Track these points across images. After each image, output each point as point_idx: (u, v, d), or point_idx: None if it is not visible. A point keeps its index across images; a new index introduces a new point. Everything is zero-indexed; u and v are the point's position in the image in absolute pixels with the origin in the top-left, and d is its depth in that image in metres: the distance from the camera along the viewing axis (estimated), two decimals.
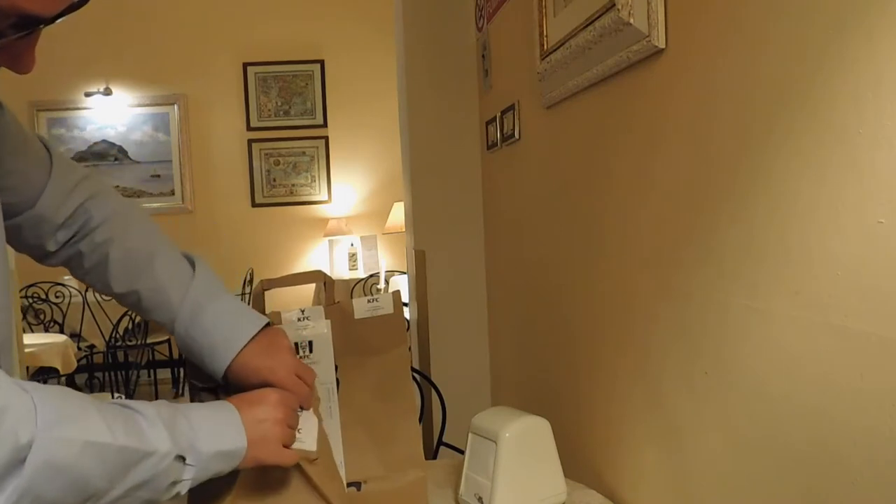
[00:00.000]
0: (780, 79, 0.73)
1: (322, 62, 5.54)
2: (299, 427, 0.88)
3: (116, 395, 3.29)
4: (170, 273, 0.89)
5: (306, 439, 0.88)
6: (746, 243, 0.80)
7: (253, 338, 0.87)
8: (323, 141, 5.58)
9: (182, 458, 0.72)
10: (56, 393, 0.65)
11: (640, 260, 1.08)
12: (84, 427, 0.64)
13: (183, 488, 0.73)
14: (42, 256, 0.93)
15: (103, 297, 1.03)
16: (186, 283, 0.88)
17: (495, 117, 1.87)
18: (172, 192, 5.49)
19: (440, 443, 1.70)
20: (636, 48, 1.01)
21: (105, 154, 5.41)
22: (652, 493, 1.08)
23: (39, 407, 0.61)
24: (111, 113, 5.39)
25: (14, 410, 0.59)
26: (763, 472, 0.79)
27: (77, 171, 0.93)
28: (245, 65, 5.48)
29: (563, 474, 1.11)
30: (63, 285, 4.49)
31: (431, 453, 1.76)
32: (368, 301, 0.97)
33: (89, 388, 4.66)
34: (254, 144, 5.53)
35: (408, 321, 1.86)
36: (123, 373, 4.38)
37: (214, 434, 0.76)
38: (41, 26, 0.62)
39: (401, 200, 4.48)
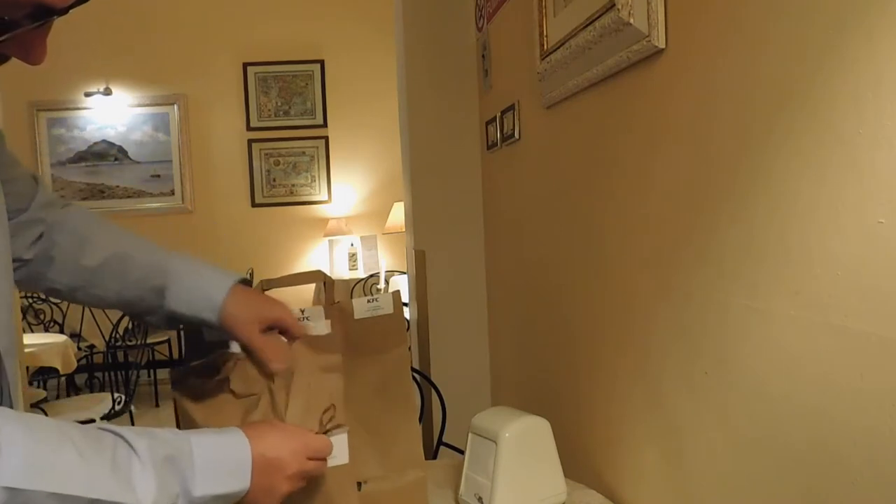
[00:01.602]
0: (780, 79, 0.73)
1: (322, 62, 5.54)
2: None
3: (116, 394, 3.29)
4: (148, 256, 0.94)
5: (339, 454, 0.90)
6: (746, 243, 0.80)
7: (239, 283, 0.93)
8: (323, 141, 5.58)
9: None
10: (27, 432, 0.58)
11: (640, 260, 1.08)
12: (51, 478, 0.57)
13: None
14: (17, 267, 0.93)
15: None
16: (166, 256, 0.94)
17: (495, 117, 1.87)
18: (172, 192, 5.49)
19: (440, 443, 1.70)
20: (636, 48, 1.01)
21: (105, 154, 5.41)
22: (652, 493, 1.08)
23: (4, 451, 0.55)
24: (111, 113, 5.39)
25: None
26: (763, 471, 0.79)
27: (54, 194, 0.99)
28: (245, 65, 5.48)
29: (563, 474, 1.11)
30: None
31: (431, 453, 1.76)
32: (368, 301, 0.97)
33: (89, 387, 4.67)
34: (254, 144, 5.53)
35: (408, 321, 1.86)
36: (123, 373, 4.38)
37: (216, 477, 0.70)
38: (54, 17, 0.62)
39: (401, 200, 4.48)
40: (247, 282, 0.95)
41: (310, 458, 0.81)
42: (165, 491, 0.64)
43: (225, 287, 0.91)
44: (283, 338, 0.92)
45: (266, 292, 0.98)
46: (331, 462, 0.89)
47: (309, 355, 0.92)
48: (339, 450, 0.90)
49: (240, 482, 0.72)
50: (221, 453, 0.72)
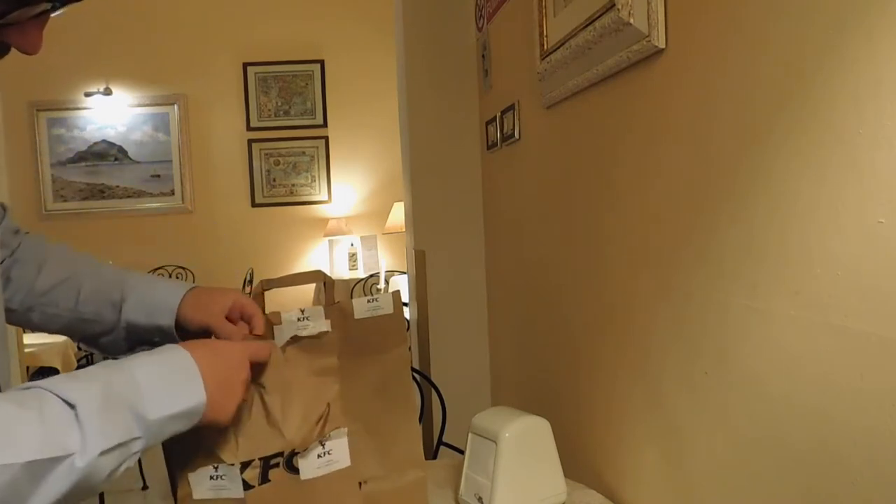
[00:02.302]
0: (780, 79, 0.73)
1: (322, 62, 5.54)
2: (329, 449, 0.89)
3: None
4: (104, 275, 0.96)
5: (340, 457, 0.89)
6: (746, 243, 0.80)
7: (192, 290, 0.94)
8: (323, 141, 5.58)
9: (127, 444, 0.63)
10: None
11: (640, 260, 1.08)
12: None
13: (130, 462, 0.65)
14: None
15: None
16: (122, 273, 0.96)
17: (495, 117, 1.87)
18: (172, 192, 5.49)
19: (440, 443, 1.70)
20: (636, 48, 1.01)
21: (105, 154, 5.41)
22: (652, 493, 1.08)
23: None
24: (111, 113, 5.39)
25: None
26: (763, 471, 0.79)
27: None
28: (245, 65, 5.48)
29: (563, 474, 1.11)
30: None
31: (431, 453, 1.76)
32: (368, 301, 0.97)
33: None
34: (254, 144, 5.53)
35: (408, 321, 1.86)
36: None
37: (169, 395, 0.68)
38: (58, 4, 0.65)
39: (401, 200, 4.48)
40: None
41: (252, 362, 0.82)
42: (114, 428, 0.62)
43: (180, 293, 0.93)
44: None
45: (266, 292, 0.98)
46: (332, 465, 0.89)
47: (303, 359, 0.91)
48: (340, 453, 0.90)
49: (195, 394, 0.70)
50: (166, 368, 0.70)
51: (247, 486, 0.84)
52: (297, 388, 0.89)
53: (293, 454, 0.87)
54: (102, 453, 0.60)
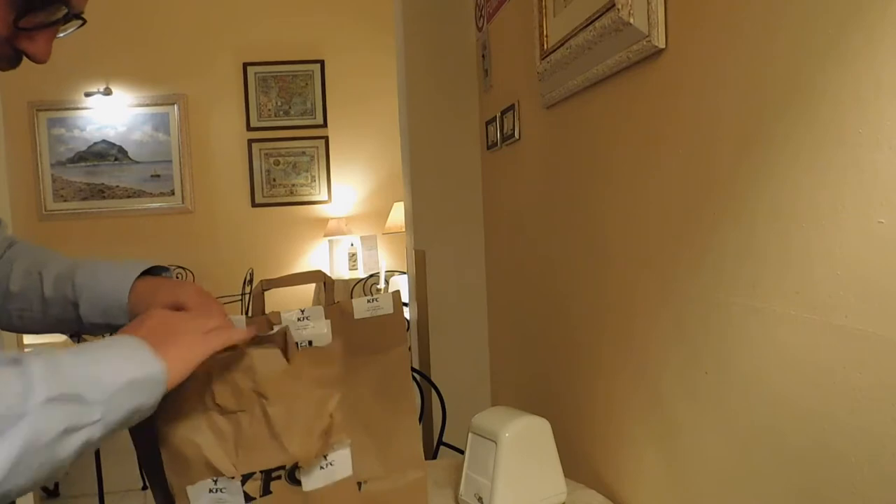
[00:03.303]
0: (780, 78, 0.73)
1: (322, 62, 5.54)
2: (331, 460, 0.88)
3: None
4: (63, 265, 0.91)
5: (342, 468, 0.89)
6: (747, 243, 0.80)
7: (145, 275, 0.88)
8: (323, 141, 5.58)
9: (75, 399, 0.60)
10: None
11: (641, 260, 1.08)
12: None
13: (90, 434, 0.61)
14: None
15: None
16: (71, 267, 0.91)
17: (495, 117, 1.87)
18: (172, 192, 5.48)
19: (440, 443, 1.70)
20: (636, 48, 1.01)
21: (105, 154, 5.41)
22: (652, 493, 1.08)
23: None
24: (111, 113, 5.39)
25: None
26: (763, 471, 0.79)
27: None
28: (245, 65, 5.48)
29: (563, 474, 1.11)
30: None
31: (431, 453, 1.76)
32: (368, 301, 0.97)
33: None
34: (254, 144, 5.53)
35: (408, 321, 1.86)
36: None
37: (121, 363, 0.65)
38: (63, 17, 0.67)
39: (401, 200, 4.48)
40: (158, 269, 0.91)
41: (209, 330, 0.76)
42: (60, 381, 0.59)
43: (127, 286, 0.86)
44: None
45: (266, 292, 0.98)
46: (334, 476, 0.88)
47: (307, 369, 0.88)
48: (342, 463, 0.89)
49: (147, 362, 0.67)
50: (112, 347, 0.67)
51: (248, 498, 0.83)
52: (301, 400, 0.86)
53: (295, 467, 0.86)
54: (49, 400, 0.56)
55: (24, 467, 0.55)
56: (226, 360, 0.81)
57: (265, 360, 0.84)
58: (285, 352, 0.86)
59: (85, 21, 0.70)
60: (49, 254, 0.95)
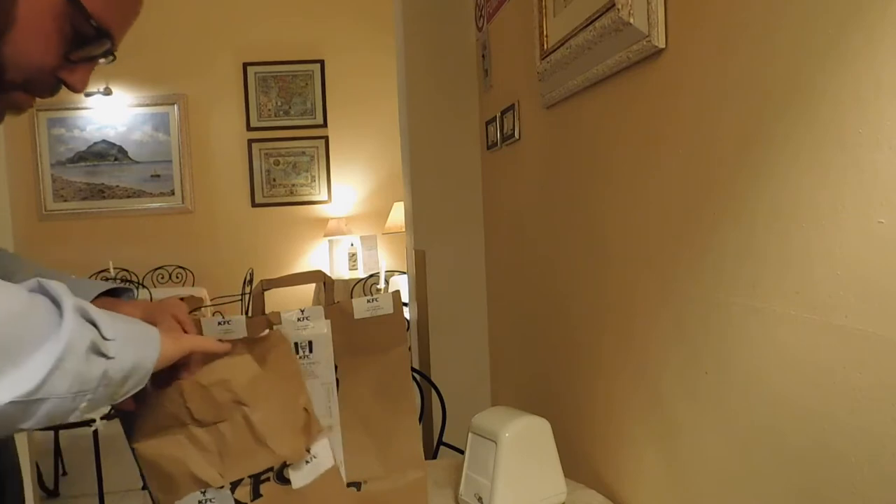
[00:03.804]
0: (780, 79, 0.73)
1: (322, 62, 5.54)
2: (314, 453, 0.88)
3: None
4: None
5: (324, 459, 0.88)
6: (747, 243, 0.80)
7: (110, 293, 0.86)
8: (323, 141, 5.58)
9: (93, 323, 0.62)
10: None
11: (641, 259, 1.08)
12: None
13: (107, 367, 0.63)
14: None
15: None
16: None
17: (495, 117, 1.87)
18: (172, 192, 5.49)
19: (440, 443, 1.70)
20: (636, 48, 1.01)
21: (105, 154, 5.41)
22: (652, 493, 1.08)
23: None
24: (111, 113, 5.39)
25: None
26: (763, 471, 0.79)
27: None
28: (245, 65, 5.48)
29: (563, 474, 1.11)
30: None
31: (431, 453, 1.76)
32: (368, 301, 0.97)
33: None
34: (254, 144, 5.53)
35: (408, 321, 1.86)
36: None
37: (124, 319, 0.68)
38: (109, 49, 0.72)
39: (401, 200, 4.48)
40: (119, 290, 0.88)
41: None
42: (86, 313, 0.62)
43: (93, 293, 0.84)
44: None
45: (266, 292, 0.98)
46: (319, 469, 0.87)
47: (273, 366, 0.86)
48: (324, 455, 0.88)
49: (148, 330, 0.71)
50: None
51: None
52: (277, 399, 0.85)
53: (283, 466, 0.85)
54: (76, 310, 0.60)
55: (63, 371, 0.58)
56: (197, 376, 0.80)
57: (238, 368, 0.83)
58: (263, 354, 0.86)
59: (115, 57, 0.75)
60: (20, 263, 0.93)
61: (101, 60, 0.74)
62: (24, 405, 0.56)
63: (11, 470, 0.88)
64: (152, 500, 0.84)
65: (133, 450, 0.82)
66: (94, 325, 0.62)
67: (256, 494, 0.84)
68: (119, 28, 0.72)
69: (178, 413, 0.80)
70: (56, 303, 0.60)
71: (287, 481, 0.86)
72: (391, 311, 0.98)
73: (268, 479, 0.85)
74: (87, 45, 0.69)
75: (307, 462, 0.88)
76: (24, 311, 0.57)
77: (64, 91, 0.75)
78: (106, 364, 0.62)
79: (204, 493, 0.81)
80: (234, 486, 0.83)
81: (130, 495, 3.17)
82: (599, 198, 1.23)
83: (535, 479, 1.08)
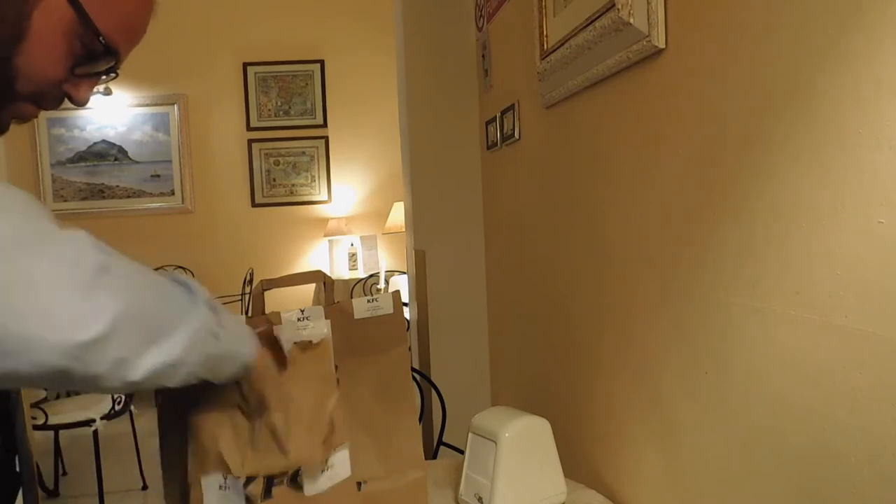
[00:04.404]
0: (780, 79, 0.73)
1: (322, 62, 5.53)
2: (332, 464, 0.88)
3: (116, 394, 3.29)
4: None
5: (342, 470, 0.89)
6: (747, 243, 0.80)
7: None
8: (323, 141, 5.58)
9: (214, 310, 0.71)
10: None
11: (641, 259, 1.08)
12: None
13: (214, 350, 0.71)
14: None
15: None
16: None
17: (495, 117, 1.87)
18: (172, 192, 5.48)
19: (440, 443, 1.70)
20: (636, 48, 1.01)
21: (105, 154, 5.41)
22: (652, 493, 1.08)
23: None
24: (111, 113, 5.39)
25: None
26: (763, 471, 0.79)
27: None
28: (245, 65, 5.48)
29: (563, 474, 1.11)
30: None
31: (431, 453, 1.76)
32: (368, 301, 0.97)
33: None
34: (254, 144, 5.53)
35: (408, 321, 1.86)
36: None
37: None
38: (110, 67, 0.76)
39: (401, 200, 4.48)
40: None
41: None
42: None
43: None
44: None
45: (266, 292, 0.98)
46: (334, 479, 0.88)
47: (303, 369, 0.88)
48: (342, 465, 0.89)
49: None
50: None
51: (249, 501, 0.83)
52: (300, 403, 0.87)
53: (297, 471, 0.86)
54: (206, 302, 0.70)
55: (198, 345, 0.67)
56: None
57: (269, 366, 0.85)
58: (278, 354, 0.86)
59: (117, 75, 0.78)
60: None
61: (104, 77, 0.77)
62: (172, 368, 0.65)
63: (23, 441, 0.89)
64: (186, 471, 0.86)
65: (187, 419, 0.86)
66: (216, 313, 0.71)
67: (267, 494, 0.85)
68: (125, 47, 0.75)
69: (230, 395, 0.84)
70: (190, 290, 0.70)
71: (300, 487, 0.86)
72: (391, 311, 0.98)
73: (281, 483, 0.85)
74: (93, 61, 0.73)
75: (323, 471, 0.88)
76: (172, 294, 0.68)
77: None
78: (216, 347, 0.71)
79: (225, 478, 0.83)
80: (249, 480, 0.83)
81: (130, 495, 3.17)
82: (599, 198, 1.23)
83: (535, 479, 1.08)
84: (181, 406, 0.85)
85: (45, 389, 4.00)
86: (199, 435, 0.84)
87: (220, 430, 0.84)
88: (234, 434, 0.84)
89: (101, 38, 0.71)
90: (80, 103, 0.77)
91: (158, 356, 0.63)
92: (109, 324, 0.57)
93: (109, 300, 0.58)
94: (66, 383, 0.59)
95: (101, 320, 0.57)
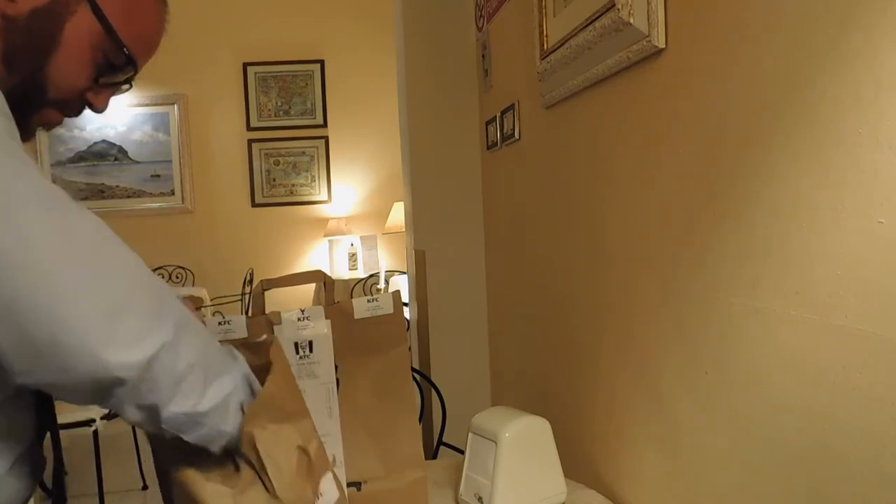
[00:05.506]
0: (780, 79, 0.73)
1: (322, 62, 5.54)
2: (321, 491, 0.87)
3: None
4: None
5: (331, 496, 0.88)
6: (747, 243, 0.80)
7: None
8: (323, 141, 5.58)
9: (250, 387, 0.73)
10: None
11: (641, 259, 1.08)
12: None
13: (234, 391, 0.71)
14: None
15: None
16: None
17: (495, 117, 1.87)
18: (172, 192, 5.48)
19: (440, 443, 1.70)
20: (636, 48, 1.01)
21: (105, 154, 5.41)
22: (652, 493, 1.08)
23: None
24: (111, 113, 5.38)
25: None
26: (763, 471, 0.79)
27: None
28: (245, 65, 5.48)
29: (563, 474, 1.11)
30: None
31: (431, 453, 1.76)
32: (368, 301, 0.97)
33: None
34: (254, 144, 5.53)
35: (408, 321, 1.86)
36: None
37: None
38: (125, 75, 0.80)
39: (401, 200, 4.48)
40: None
41: None
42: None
43: None
44: None
45: (266, 292, 0.98)
46: (329, 502, 0.86)
47: (264, 416, 0.76)
48: (330, 492, 0.85)
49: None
50: None
51: None
52: (277, 449, 0.77)
53: None
54: (244, 375, 0.71)
55: (222, 409, 0.67)
56: None
57: None
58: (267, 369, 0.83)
59: (132, 86, 0.83)
60: None
61: (123, 87, 0.82)
62: (193, 418, 0.66)
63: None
64: None
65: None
66: (252, 392, 0.72)
67: None
68: (143, 59, 0.81)
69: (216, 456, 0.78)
70: (231, 352, 0.73)
71: None
72: (391, 311, 0.98)
73: None
74: (115, 72, 0.78)
75: (315, 502, 0.86)
76: (219, 350, 0.71)
77: None
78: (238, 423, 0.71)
79: None
80: None
81: (130, 495, 3.17)
82: (599, 198, 1.23)
83: (535, 479, 1.08)
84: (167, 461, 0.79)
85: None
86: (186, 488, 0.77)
87: (207, 476, 0.76)
88: (224, 484, 0.76)
89: (125, 50, 0.76)
90: (100, 111, 0.81)
91: (219, 391, 0.66)
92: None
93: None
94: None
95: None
